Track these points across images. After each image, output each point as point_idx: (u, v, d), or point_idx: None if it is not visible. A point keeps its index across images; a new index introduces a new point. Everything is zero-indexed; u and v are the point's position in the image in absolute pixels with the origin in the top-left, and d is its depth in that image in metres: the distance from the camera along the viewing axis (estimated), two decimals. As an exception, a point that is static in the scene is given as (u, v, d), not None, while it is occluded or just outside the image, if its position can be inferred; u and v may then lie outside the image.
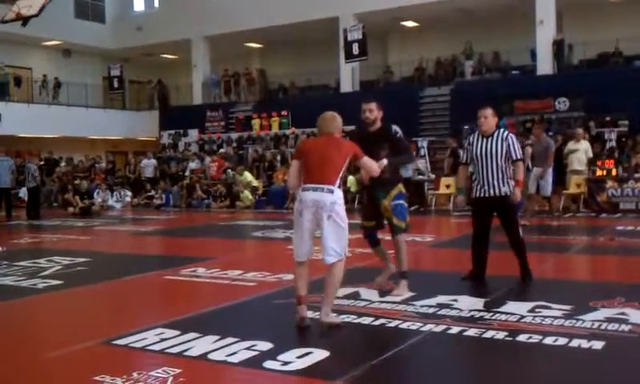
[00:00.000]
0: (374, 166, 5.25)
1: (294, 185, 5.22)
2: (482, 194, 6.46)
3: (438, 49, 24.27)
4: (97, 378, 3.88)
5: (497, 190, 6.37)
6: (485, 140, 6.44)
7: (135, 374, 3.91)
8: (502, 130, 6.54)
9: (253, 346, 4.40)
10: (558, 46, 20.98)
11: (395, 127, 5.98)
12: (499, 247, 6.87)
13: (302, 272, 5.04)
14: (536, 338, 4.49)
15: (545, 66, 21.15)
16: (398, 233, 5.91)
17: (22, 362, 4.42)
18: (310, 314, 5.26)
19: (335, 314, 5.11)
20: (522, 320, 4.96)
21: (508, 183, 6.40)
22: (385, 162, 5.56)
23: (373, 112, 5.86)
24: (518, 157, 6.39)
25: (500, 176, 6.37)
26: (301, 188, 5.05)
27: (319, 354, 4.21)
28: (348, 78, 24.49)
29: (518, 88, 20.53)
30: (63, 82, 27.35)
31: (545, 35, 21.13)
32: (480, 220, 6.57)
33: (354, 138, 5.54)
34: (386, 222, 6.02)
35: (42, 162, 22.40)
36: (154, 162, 22.73)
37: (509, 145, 6.35)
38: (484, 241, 6.57)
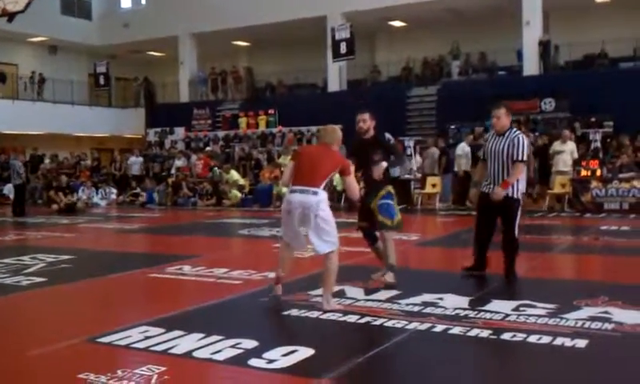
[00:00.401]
0: (355, 191, 5.72)
1: (286, 181, 5.64)
2: (487, 191, 6.58)
3: (425, 49, 24.35)
4: (81, 375, 3.86)
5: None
6: (497, 138, 6.56)
7: (119, 372, 3.89)
8: (513, 129, 6.61)
9: (238, 344, 4.39)
10: (544, 47, 21.10)
11: (388, 135, 6.51)
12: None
13: (290, 256, 5.62)
14: (520, 337, 4.51)
15: (531, 66, 21.27)
16: (383, 229, 6.22)
17: (5, 359, 4.38)
18: (295, 311, 5.30)
19: (335, 300, 5.52)
20: (507, 318, 4.99)
21: (513, 184, 6.45)
22: (384, 164, 6.11)
23: (366, 122, 6.31)
24: (518, 158, 6.40)
25: (505, 175, 6.43)
26: (289, 189, 5.46)
27: (304, 352, 4.20)
28: (335, 77, 24.51)
29: (504, 88, 20.58)
30: (49, 79, 27.16)
31: (531, 36, 21.25)
32: (481, 215, 6.71)
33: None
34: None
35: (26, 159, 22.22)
36: (141, 159, 22.64)
37: (514, 145, 6.40)
38: (484, 234, 6.67)
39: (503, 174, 6.44)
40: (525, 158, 6.51)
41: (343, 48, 21.15)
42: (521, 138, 6.47)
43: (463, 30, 23.57)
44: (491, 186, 6.53)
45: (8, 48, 27.22)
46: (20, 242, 11.60)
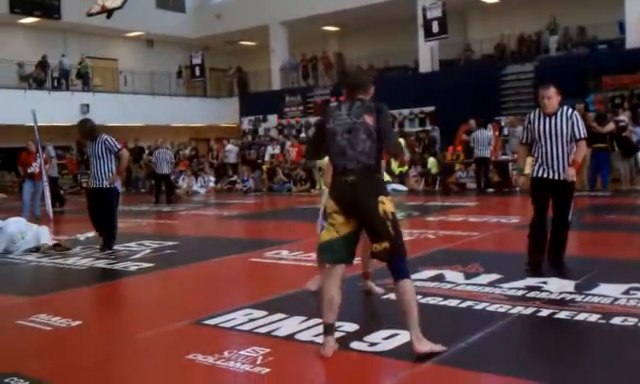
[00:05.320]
0: None
1: None
2: (542, 175, 6.07)
3: (520, 25, 23.54)
4: (189, 356, 4.00)
5: (557, 174, 5.98)
6: (548, 119, 6.07)
7: (226, 353, 4.00)
8: (565, 107, 6.13)
9: (339, 327, 4.39)
10: (649, 17, 19.97)
11: None
12: (587, 228, 6.65)
13: None
14: (631, 321, 4.33)
15: (634, 38, 20.15)
16: None
17: (116, 341, 4.60)
18: (394, 295, 5.28)
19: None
20: (616, 302, 4.79)
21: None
22: None
23: None
24: (581, 136, 5.97)
25: (563, 157, 5.97)
26: None
27: (405, 336, 4.16)
28: (427, 57, 24.09)
29: (606, 62, 19.68)
30: (145, 73, 28.06)
31: (634, 6, 20.13)
32: (538, 202, 6.15)
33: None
34: None
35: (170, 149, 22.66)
36: (237, 148, 23.21)
37: (572, 123, 5.97)
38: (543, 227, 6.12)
39: (561, 155, 6.01)
40: (585, 135, 6.12)
41: (435, 27, 20.80)
42: (578, 115, 6.14)
43: (560, 3, 22.61)
44: (545, 169, 6.07)
45: (108, 44, 28.43)
46: (126, 228, 12.09)
